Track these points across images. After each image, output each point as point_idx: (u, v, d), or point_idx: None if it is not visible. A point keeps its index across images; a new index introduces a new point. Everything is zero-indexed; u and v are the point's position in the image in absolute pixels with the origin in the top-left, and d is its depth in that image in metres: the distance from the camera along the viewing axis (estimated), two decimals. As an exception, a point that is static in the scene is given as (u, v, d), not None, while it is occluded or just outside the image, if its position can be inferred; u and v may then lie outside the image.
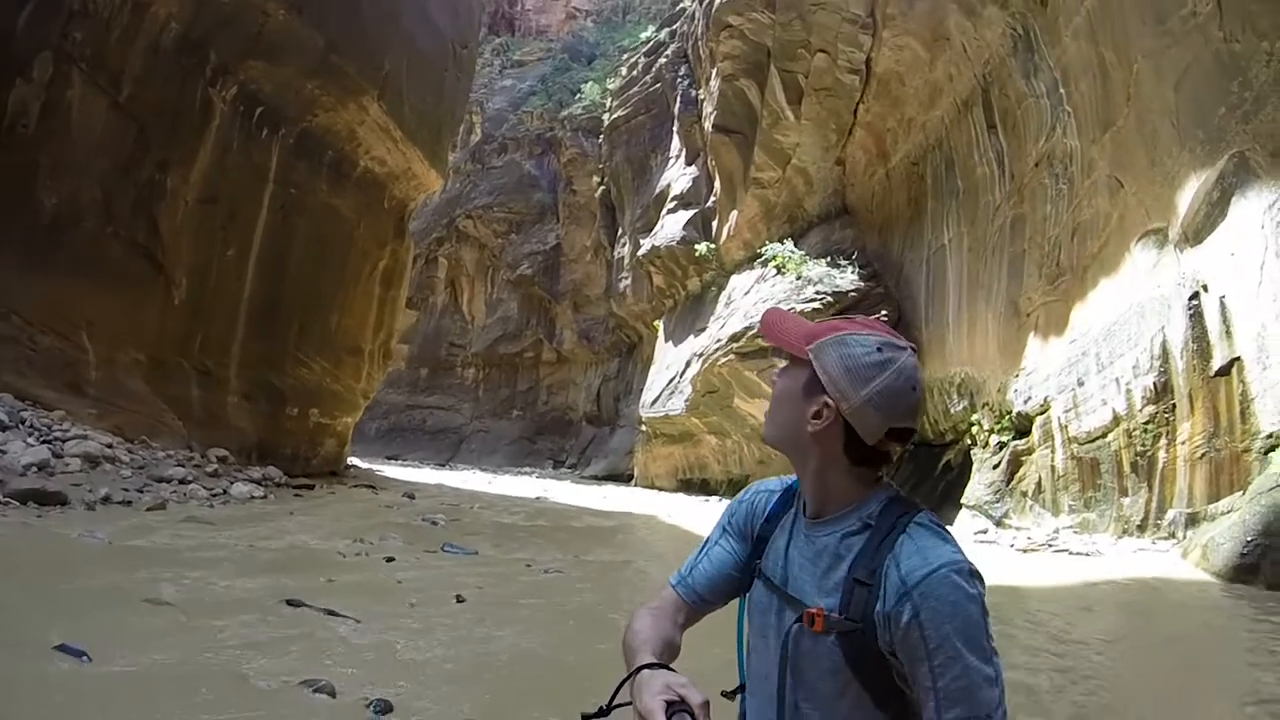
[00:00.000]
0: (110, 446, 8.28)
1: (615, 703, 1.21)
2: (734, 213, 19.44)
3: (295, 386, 12.43)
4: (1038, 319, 10.55)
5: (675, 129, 22.92)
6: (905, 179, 15.08)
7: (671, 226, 21.74)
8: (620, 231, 26.39)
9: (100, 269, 8.64)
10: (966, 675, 1.06)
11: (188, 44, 9.22)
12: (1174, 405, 7.48)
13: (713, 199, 20.80)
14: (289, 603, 4.20)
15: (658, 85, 24.06)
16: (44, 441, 7.59)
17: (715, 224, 20.54)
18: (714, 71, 19.41)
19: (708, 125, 20.26)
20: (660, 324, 23.40)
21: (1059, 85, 10.28)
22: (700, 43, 20.54)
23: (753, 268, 18.06)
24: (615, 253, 26.69)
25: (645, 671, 1.20)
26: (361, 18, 11.57)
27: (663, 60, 23.77)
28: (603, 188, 28.03)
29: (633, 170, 25.09)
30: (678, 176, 22.37)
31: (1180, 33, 6.53)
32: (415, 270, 26.30)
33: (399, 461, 27.87)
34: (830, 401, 1.17)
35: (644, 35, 28.03)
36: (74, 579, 4.19)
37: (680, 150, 22.68)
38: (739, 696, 1.44)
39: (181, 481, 8.48)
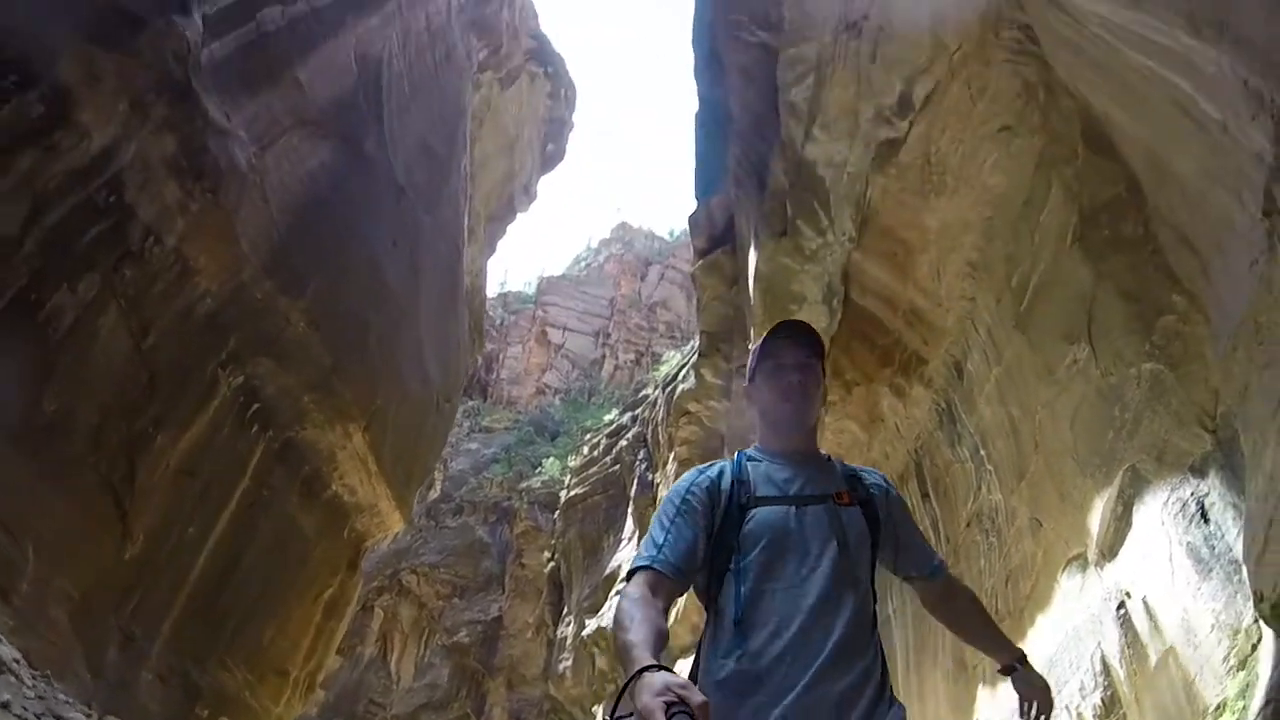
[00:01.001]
0: (18, 661, 7.68)
1: (620, 713, 1.29)
2: (682, 597, 19.57)
3: (213, 688, 11.57)
4: (984, 670, 10.64)
5: (630, 511, 23.88)
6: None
7: (621, 607, 21.70)
8: (566, 610, 26.11)
9: (70, 491, 8.70)
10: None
11: (214, 322, 10.17)
12: (1124, 714, 7.51)
13: (665, 580, 21.09)
14: None
15: (616, 467, 25.63)
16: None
17: (667, 602, 20.59)
18: (671, 455, 20.88)
19: (662, 508, 21.24)
20: (600, 710, 22.18)
21: (979, 447, 11.55)
22: (660, 428, 22.43)
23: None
24: (558, 631, 26.15)
25: (645, 674, 1.28)
26: (367, 351, 12.89)
27: (623, 443, 25.68)
28: (553, 564, 28.41)
29: (585, 549, 25.63)
30: (630, 559, 22.78)
31: (1067, 379, 7.31)
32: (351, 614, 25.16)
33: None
34: (823, 379, 2.06)
35: (607, 417, 30.44)
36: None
37: (634, 533, 23.38)
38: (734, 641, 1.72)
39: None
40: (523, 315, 50.42)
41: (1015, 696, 2.04)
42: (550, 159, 25.79)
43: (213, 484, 11.00)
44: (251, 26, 11.25)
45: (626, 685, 1.29)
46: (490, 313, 37.75)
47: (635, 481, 23.74)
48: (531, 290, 55.25)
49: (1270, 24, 2.36)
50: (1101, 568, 9.26)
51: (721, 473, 1.94)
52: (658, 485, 22.23)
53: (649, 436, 24.11)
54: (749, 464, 1.96)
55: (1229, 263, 3.37)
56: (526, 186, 24.16)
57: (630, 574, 1.75)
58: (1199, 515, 4.33)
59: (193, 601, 10.96)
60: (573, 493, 27.40)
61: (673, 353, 34.97)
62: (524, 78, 22.92)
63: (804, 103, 7.90)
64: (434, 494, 36.60)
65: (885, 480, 2.08)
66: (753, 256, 9.88)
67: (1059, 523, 9.70)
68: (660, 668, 1.30)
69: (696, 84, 13.67)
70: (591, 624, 22.34)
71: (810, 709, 1.60)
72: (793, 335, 2.09)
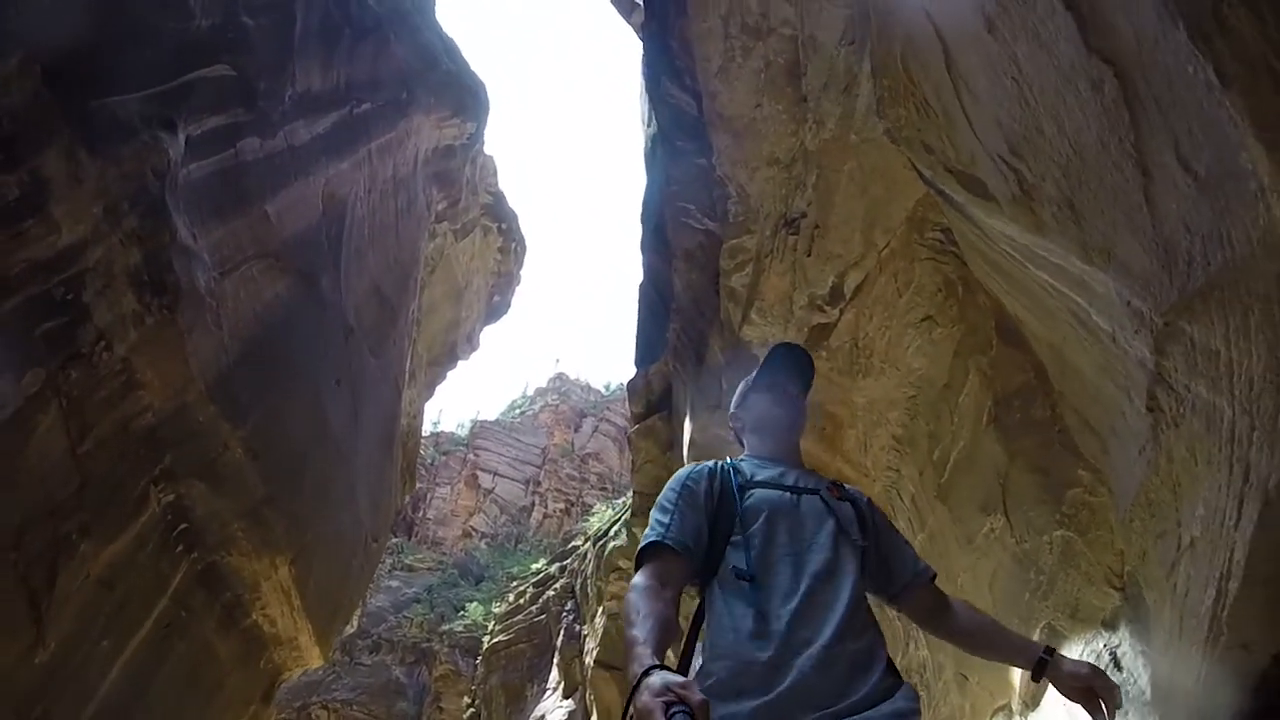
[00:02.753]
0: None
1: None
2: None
3: None
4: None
5: (556, 661, 23.30)
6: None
7: (541, 759, 20.81)
8: (485, 759, 24.72)
9: None
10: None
11: (153, 437, 10.01)
12: None
13: (585, 736, 20.37)
14: None
15: (542, 616, 25.12)
16: None
17: (584, 762, 19.78)
18: (600, 609, 20.69)
19: (589, 660, 20.81)
20: None
21: (905, 613, 11.86)
22: (590, 580, 22.25)
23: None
24: (476, 784, 24.64)
25: (647, 674, 1.31)
26: (301, 486, 12.77)
27: (550, 593, 25.27)
28: (472, 709, 27.04)
29: (507, 696, 24.66)
30: (553, 709, 22.10)
31: (985, 546, 7.75)
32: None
33: None
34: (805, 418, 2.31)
35: (535, 566, 29.97)
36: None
37: (558, 683, 22.74)
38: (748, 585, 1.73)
39: None
40: (454, 457, 49.93)
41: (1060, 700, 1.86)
42: (495, 310, 26.49)
43: (131, 599, 10.55)
44: (230, 154, 11.74)
45: (636, 685, 1.29)
46: (421, 452, 37.33)
47: (562, 632, 23.30)
48: (464, 433, 55.00)
49: (1147, 258, 2.84)
50: (1025, 717, 9.50)
51: (716, 464, 2.06)
52: (585, 637, 21.90)
53: (577, 588, 23.92)
54: (741, 462, 2.12)
55: (1123, 446, 3.80)
56: (470, 335, 24.67)
57: (639, 558, 1.78)
58: (1112, 664, 4.69)
59: (100, 717, 10.25)
60: (496, 639, 26.78)
61: (603, 505, 34.86)
62: (478, 230, 23.88)
63: (743, 289, 8.61)
64: (351, 629, 34.90)
65: (865, 495, 2.21)
66: (688, 426, 10.34)
67: (984, 677, 9.94)
68: (662, 668, 1.33)
69: (642, 254, 14.48)
70: (509, 780, 21.24)
71: (829, 664, 1.61)
72: (796, 365, 2.30)
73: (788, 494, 1.93)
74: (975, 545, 9.15)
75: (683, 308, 10.86)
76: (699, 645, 1.83)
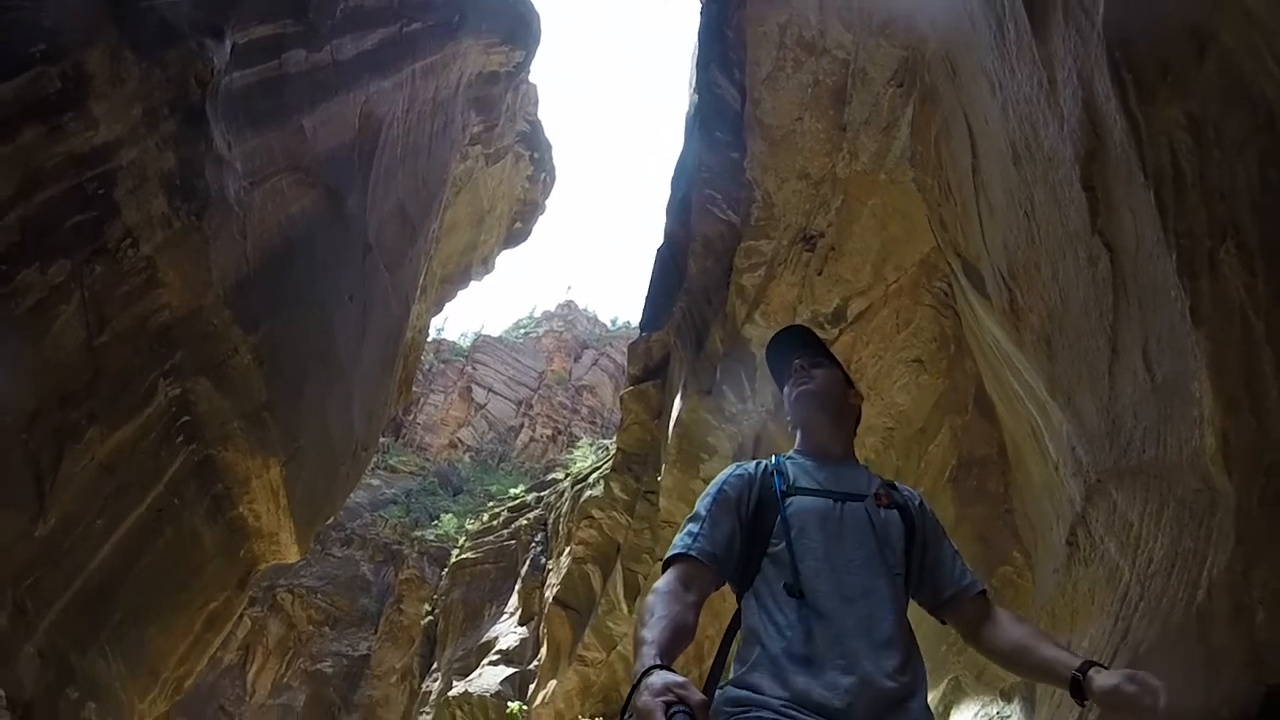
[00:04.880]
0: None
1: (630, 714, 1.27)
2: (553, 681, 19.77)
3: (87, 674, 11.41)
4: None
5: (518, 588, 24.02)
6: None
7: (490, 677, 21.67)
8: (436, 666, 25.64)
9: None
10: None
11: (166, 335, 10.36)
12: None
13: (535, 663, 21.18)
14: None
15: (512, 542, 25.78)
16: None
17: (533, 687, 20.62)
18: (567, 549, 21.25)
19: (549, 594, 21.49)
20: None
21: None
22: (563, 520, 22.80)
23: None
24: (424, 684, 25.58)
25: (649, 674, 1.29)
26: (301, 396, 13.17)
27: (523, 521, 25.88)
28: (430, 618, 27.96)
29: (466, 612, 25.49)
30: (507, 632, 22.93)
31: None
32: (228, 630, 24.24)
33: None
34: (855, 392, 2.16)
35: (513, 490, 30.43)
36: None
37: (517, 609, 23.55)
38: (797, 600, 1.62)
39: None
40: (451, 366, 50.34)
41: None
42: (515, 236, 26.57)
43: (130, 483, 10.98)
44: (275, 64, 11.78)
45: (636, 685, 1.29)
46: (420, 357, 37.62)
47: (528, 562, 24.05)
48: (466, 344, 55.26)
49: (1098, 420, 3.04)
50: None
51: (759, 465, 1.93)
52: (549, 572, 22.55)
53: (550, 522, 24.42)
54: (788, 461, 1.96)
55: (1047, 556, 4.09)
56: (486, 259, 24.81)
57: (666, 565, 1.71)
58: (999, 732, 5.07)
59: (87, 589, 10.87)
60: (465, 555, 27.42)
61: (589, 441, 35.39)
62: (510, 157, 23.81)
63: (752, 288, 8.82)
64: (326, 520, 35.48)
65: (919, 496, 2.04)
66: (678, 403, 10.64)
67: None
68: (664, 668, 1.31)
69: (666, 218, 14.57)
70: (459, 686, 22.11)
71: (874, 697, 1.53)
72: (798, 341, 2.21)
73: (831, 501, 1.80)
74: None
75: (693, 290, 11.06)
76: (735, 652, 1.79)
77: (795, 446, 2.05)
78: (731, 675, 1.65)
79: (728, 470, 1.93)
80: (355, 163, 13.77)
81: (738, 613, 1.80)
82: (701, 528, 1.75)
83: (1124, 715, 1.60)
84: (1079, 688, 1.63)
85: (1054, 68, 3.00)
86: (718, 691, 1.61)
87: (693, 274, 10.85)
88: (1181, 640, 2.46)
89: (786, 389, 2.12)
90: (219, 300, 10.68)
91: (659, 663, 1.34)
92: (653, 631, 1.45)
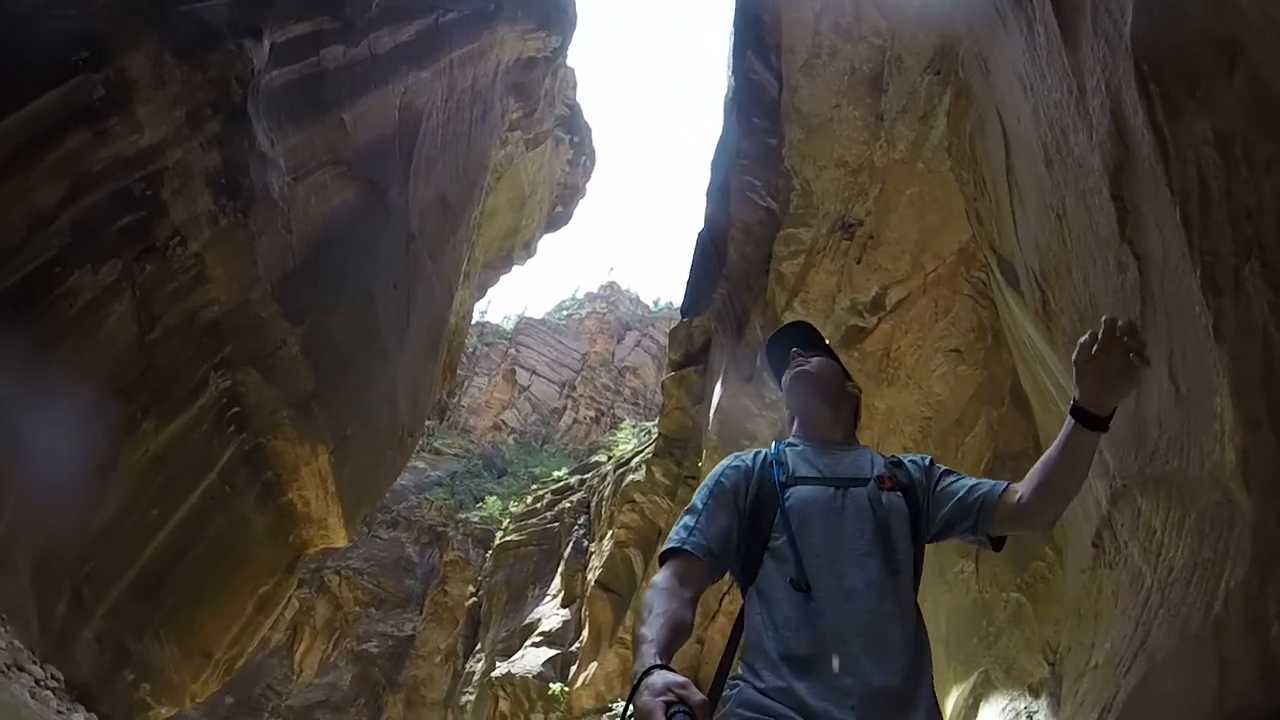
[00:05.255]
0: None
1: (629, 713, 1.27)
2: (594, 664, 20.01)
3: (142, 657, 11.99)
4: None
5: (560, 570, 24.20)
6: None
7: (532, 659, 21.98)
8: (479, 646, 26.02)
9: (56, 456, 8.89)
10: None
11: (215, 330, 10.70)
12: None
13: (577, 645, 21.45)
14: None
15: (555, 524, 25.94)
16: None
17: (574, 669, 20.90)
18: (609, 533, 21.33)
19: (590, 577, 21.61)
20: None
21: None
22: (605, 503, 22.89)
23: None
24: (467, 665, 26.01)
25: (649, 674, 1.29)
26: (347, 383, 13.46)
27: (567, 504, 26.01)
28: (474, 599, 28.28)
29: (509, 594, 25.76)
30: (550, 614, 23.18)
31: (953, 583, 7.85)
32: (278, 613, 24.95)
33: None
34: (853, 382, 2.09)
35: (556, 473, 30.61)
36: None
37: (559, 591, 23.75)
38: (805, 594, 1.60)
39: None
40: (495, 349, 50.78)
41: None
42: (555, 220, 26.68)
43: (182, 473, 11.37)
44: (313, 61, 11.99)
45: (636, 685, 1.30)
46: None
47: (571, 545, 24.00)
48: (509, 326, 55.70)
49: (1126, 427, 2.98)
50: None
51: (758, 456, 1.90)
52: (591, 554, 22.56)
53: (592, 506, 24.47)
54: (788, 449, 1.92)
55: (1075, 556, 4.07)
56: (528, 243, 24.97)
57: (662, 559, 1.71)
58: (1025, 729, 5.09)
59: (142, 575, 11.36)
60: (509, 537, 27.48)
61: (632, 422, 35.48)
62: (549, 141, 23.87)
63: (792, 276, 8.78)
64: (373, 505, 36.00)
65: (927, 458, 1.97)
66: (719, 390, 10.66)
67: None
68: (664, 668, 1.31)
69: (707, 202, 14.54)
70: (502, 667, 22.38)
71: (877, 694, 1.52)
72: (796, 336, 2.18)
73: (833, 490, 1.78)
74: (946, 579, 9.51)
75: (733, 277, 11.05)
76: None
77: (794, 433, 2.02)
78: (737, 673, 1.64)
79: (725, 462, 1.89)
80: (396, 154, 13.96)
81: (744, 610, 1.78)
82: (697, 521, 1.73)
83: (1099, 370, 1.60)
84: (1079, 410, 1.65)
85: (1083, 75, 2.95)
86: (725, 690, 1.60)
87: (732, 260, 10.84)
88: (1198, 650, 2.47)
89: (784, 376, 2.07)
90: (266, 294, 10.98)
91: (659, 662, 1.34)
92: (652, 630, 1.45)
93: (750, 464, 1.85)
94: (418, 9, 14.23)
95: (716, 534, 1.71)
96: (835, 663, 1.52)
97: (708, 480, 1.84)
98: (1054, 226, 3.66)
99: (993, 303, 6.69)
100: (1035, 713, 5.32)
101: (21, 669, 8.55)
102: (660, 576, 1.63)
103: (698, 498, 1.80)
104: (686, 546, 1.67)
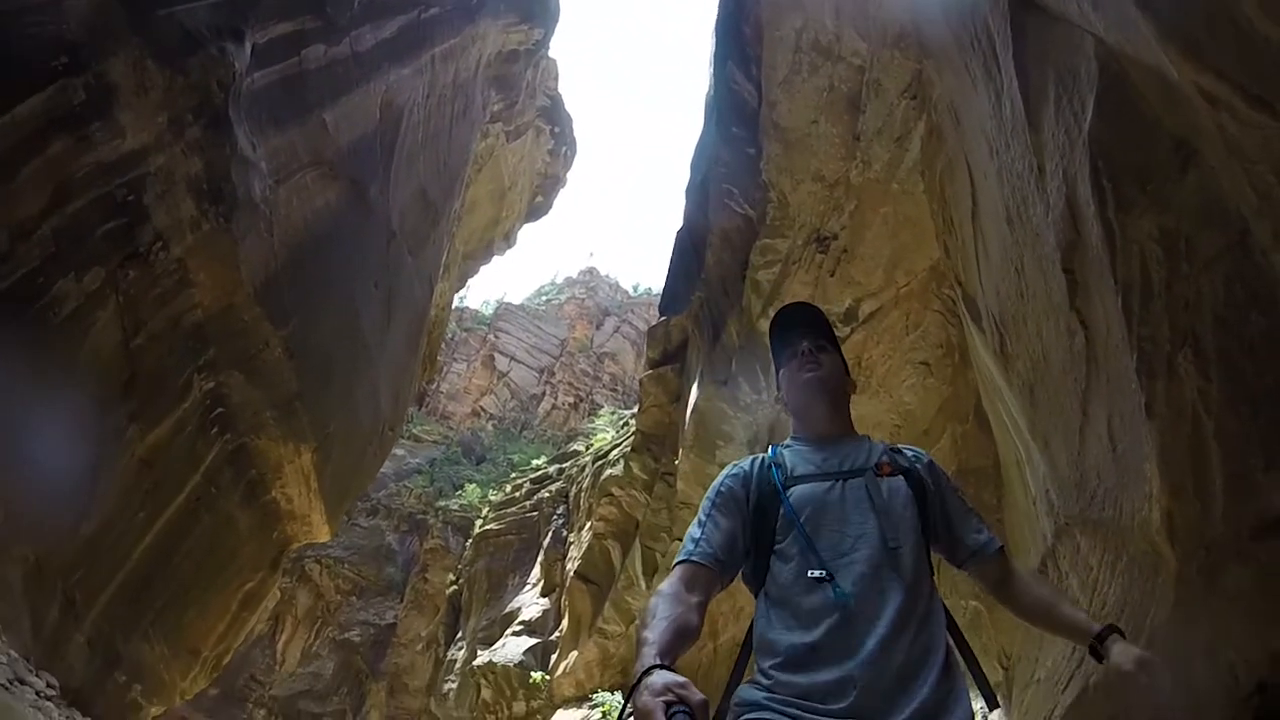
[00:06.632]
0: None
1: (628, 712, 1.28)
2: (574, 652, 20.28)
3: (133, 658, 12.14)
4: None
5: (540, 560, 24.39)
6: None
7: (513, 648, 22.22)
8: (460, 634, 26.19)
9: (43, 466, 8.97)
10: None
11: (199, 332, 10.76)
12: None
13: (557, 634, 21.71)
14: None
15: (534, 514, 26.08)
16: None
17: (555, 658, 21.19)
18: (588, 525, 21.49)
19: (570, 567, 21.78)
20: (477, 741, 22.53)
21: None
22: (583, 494, 23.07)
23: (580, 708, 18.64)
24: (449, 653, 26.20)
25: (649, 674, 1.29)
26: (330, 384, 13.57)
27: (545, 493, 26.16)
28: (455, 587, 28.45)
29: (489, 583, 25.91)
30: (530, 603, 23.39)
31: None
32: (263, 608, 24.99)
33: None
34: (851, 380, 2.15)
35: (535, 462, 30.74)
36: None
37: (539, 580, 23.94)
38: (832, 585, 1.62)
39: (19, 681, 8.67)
40: (474, 335, 50.64)
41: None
42: (536, 210, 26.70)
43: (168, 476, 11.46)
44: (295, 61, 11.96)
45: (636, 685, 1.30)
46: (443, 327, 37.67)
47: (550, 534, 24.14)
48: (488, 312, 55.52)
49: (1069, 470, 3.23)
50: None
51: (756, 461, 1.93)
52: (570, 544, 22.73)
53: (571, 496, 24.57)
54: (785, 450, 1.95)
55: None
56: (508, 234, 24.99)
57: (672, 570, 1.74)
58: (979, 732, 5.43)
59: (130, 578, 11.46)
60: (488, 526, 27.61)
61: (610, 410, 35.63)
62: (530, 133, 23.85)
63: (767, 284, 9.02)
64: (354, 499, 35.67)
65: (927, 455, 2.04)
66: (695, 391, 10.89)
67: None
68: (664, 668, 1.31)
69: (686, 200, 14.68)
70: (484, 655, 22.56)
71: (876, 676, 1.55)
72: (802, 319, 2.19)
73: (832, 482, 1.80)
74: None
75: (710, 282, 11.26)
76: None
77: (792, 432, 2.05)
78: (751, 675, 1.69)
79: (724, 472, 1.93)
80: (377, 152, 14.00)
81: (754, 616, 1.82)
82: (703, 532, 1.76)
83: (1129, 692, 1.70)
84: (1097, 653, 1.75)
85: (1044, 156, 3.13)
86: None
87: (710, 266, 11.04)
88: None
89: (787, 369, 2.08)
90: (249, 297, 11.03)
91: (659, 662, 1.34)
92: (654, 632, 1.46)
93: (749, 470, 1.88)
94: (400, 5, 14.22)
95: (721, 540, 1.75)
96: (839, 651, 1.57)
97: (709, 492, 1.88)
98: (1013, 280, 3.88)
99: (961, 321, 6.96)
100: (989, 714, 5.64)
101: (23, 682, 8.67)
102: (666, 583, 1.65)
103: (702, 510, 1.85)
104: (694, 558, 1.70)
